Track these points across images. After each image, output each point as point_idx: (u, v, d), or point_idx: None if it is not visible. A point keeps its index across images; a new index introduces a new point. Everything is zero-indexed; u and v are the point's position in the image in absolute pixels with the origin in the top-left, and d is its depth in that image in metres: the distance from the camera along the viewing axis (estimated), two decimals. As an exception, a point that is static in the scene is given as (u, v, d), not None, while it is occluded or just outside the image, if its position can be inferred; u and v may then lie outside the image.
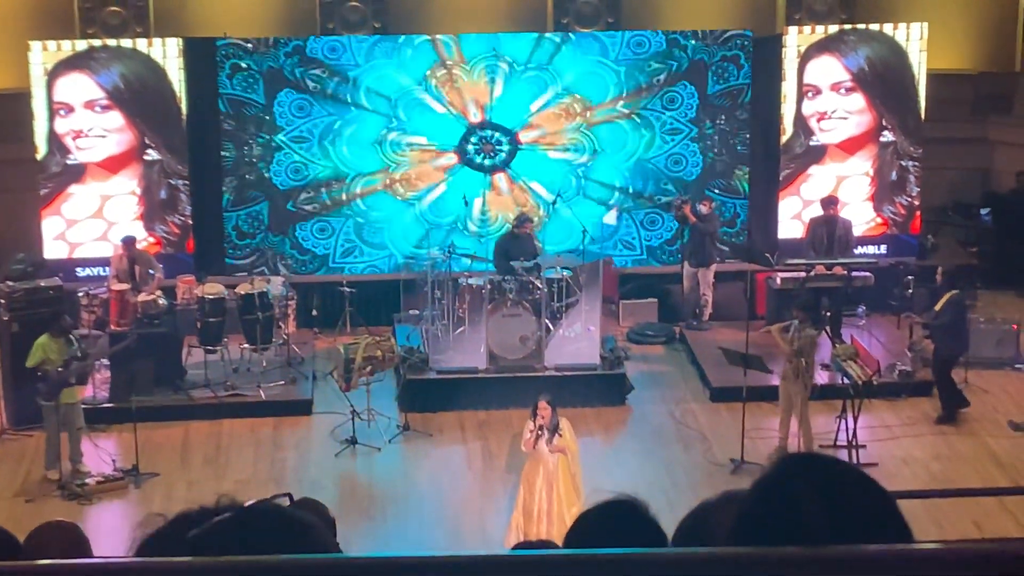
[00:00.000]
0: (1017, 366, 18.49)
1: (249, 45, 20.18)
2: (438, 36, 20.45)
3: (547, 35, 20.70)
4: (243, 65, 20.13)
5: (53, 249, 19.87)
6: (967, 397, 17.15)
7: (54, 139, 19.73)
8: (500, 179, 20.69)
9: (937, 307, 17.00)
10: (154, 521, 2.54)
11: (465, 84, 20.39)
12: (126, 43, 19.93)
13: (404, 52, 20.27)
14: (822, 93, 20.59)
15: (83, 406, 16.37)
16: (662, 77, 20.59)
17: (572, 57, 20.49)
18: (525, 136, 20.59)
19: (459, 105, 20.41)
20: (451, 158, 20.54)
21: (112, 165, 20.00)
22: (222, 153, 20.36)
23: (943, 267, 17.93)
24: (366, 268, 20.65)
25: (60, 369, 15.17)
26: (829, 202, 19.54)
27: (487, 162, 20.57)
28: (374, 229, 20.67)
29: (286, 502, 2.59)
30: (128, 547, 2.52)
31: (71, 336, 15.60)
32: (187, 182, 20.17)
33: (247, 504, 2.48)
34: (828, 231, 19.27)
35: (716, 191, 20.79)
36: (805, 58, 20.45)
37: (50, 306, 16.51)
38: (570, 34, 20.67)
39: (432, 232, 20.08)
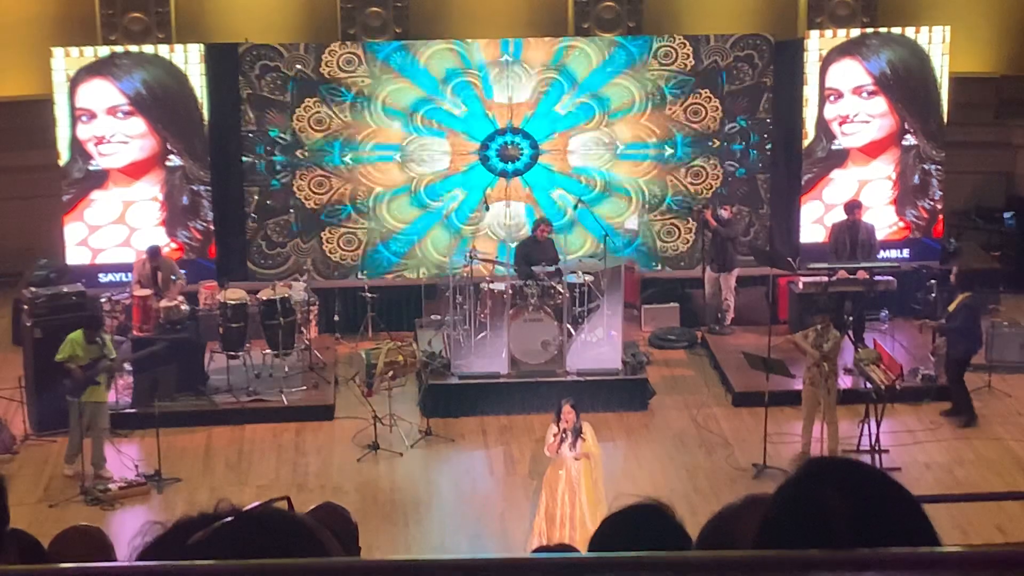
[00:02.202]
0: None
1: (277, 51, 20.19)
2: (472, 40, 20.46)
3: (580, 41, 20.66)
4: (268, 70, 20.16)
5: (75, 255, 19.91)
6: (977, 409, 17.09)
7: (76, 145, 19.78)
8: (513, 185, 20.65)
9: (950, 308, 16.95)
10: (153, 529, 2.54)
11: (497, 89, 20.36)
12: (148, 49, 19.97)
13: (434, 55, 20.26)
14: (844, 97, 20.54)
15: (108, 420, 16.44)
16: (686, 85, 20.55)
17: (602, 67, 20.43)
18: (548, 148, 20.55)
19: (488, 108, 20.36)
20: (472, 154, 20.51)
21: (134, 171, 20.04)
22: (243, 158, 20.36)
23: (957, 267, 17.89)
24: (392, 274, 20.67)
25: (85, 367, 15.30)
26: (853, 206, 19.50)
27: (506, 167, 20.53)
28: (399, 239, 20.65)
29: (284, 505, 2.58)
30: (128, 555, 2.52)
31: (104, 338, 15.71)
32: (209, 188, 20.21)
33: (246, 508, 2.48)
34: (851, 236, 19.24)
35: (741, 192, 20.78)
36: (827, 62, 20.40)
37: (73, 312, 16.56)
38: (604, 41, 20.63)
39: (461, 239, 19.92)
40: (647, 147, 20.71)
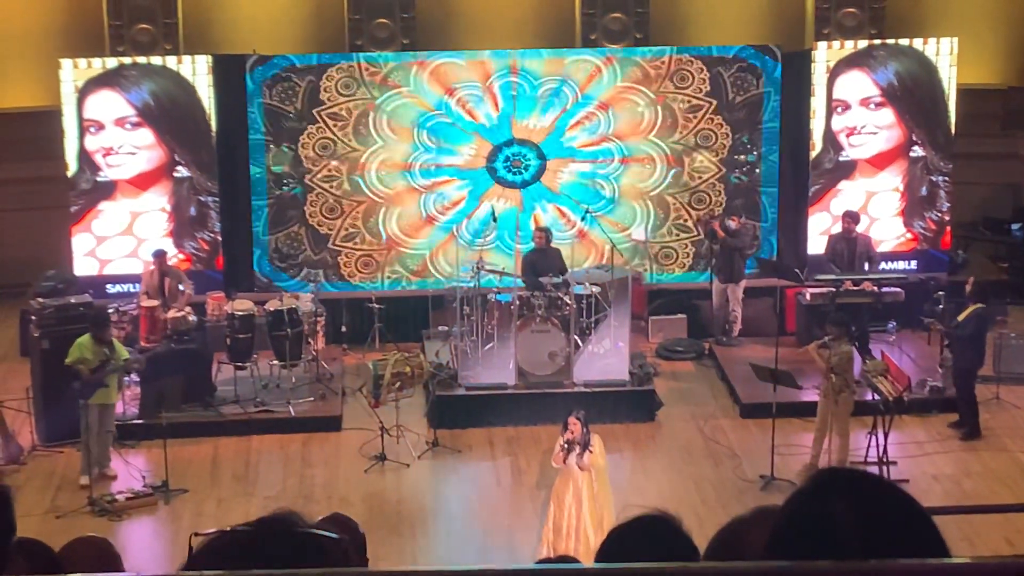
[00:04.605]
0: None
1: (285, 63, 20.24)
2: (478, 51, 20.49)
3: (583, 52, 20.67)
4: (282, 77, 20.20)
5: (83, 266, 19.93)
6: (985, 421, 17.05)
7: (84, 156, 19.80)
8: (522, 196, 20.64)
9: (960, 317, 16.91)
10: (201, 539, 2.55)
11: (499, 100, 20.36)
12: (156, 60, 20.00)
13: (437, 66, 20.29)
14: (851, 108, 20.53)
15: (115, 422, 16.43)
16: (691, 94, 20.55)
17: (606, 76, 20.43)
18: (553, 156, 20.55)
19: (492, 119, 20.37)
20: (479, 170, 20.52)
21: (142, 182, 20.06)
22: (252, 168, 20.38)
23: (975, 278, 17.83)
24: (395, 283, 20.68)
25: (94, 369, 15.34)
26: (848, 217, 19.47)
27: (515, 178, 20.54)
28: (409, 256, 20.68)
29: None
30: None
31: (115, 343, 15.77)
32: (217, 199, 20.22)
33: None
34: (848, 248, 19.24)
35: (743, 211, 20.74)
36: (834, 73, 20.39)
37: (80, 323, 16.56)
38: (605, 52, 20.63)
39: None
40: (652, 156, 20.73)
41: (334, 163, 20.35)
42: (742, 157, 20.76)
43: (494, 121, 20.41)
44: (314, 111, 20.29)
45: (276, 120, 20.31)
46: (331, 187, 20.53)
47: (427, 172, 20.49)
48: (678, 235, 20.94)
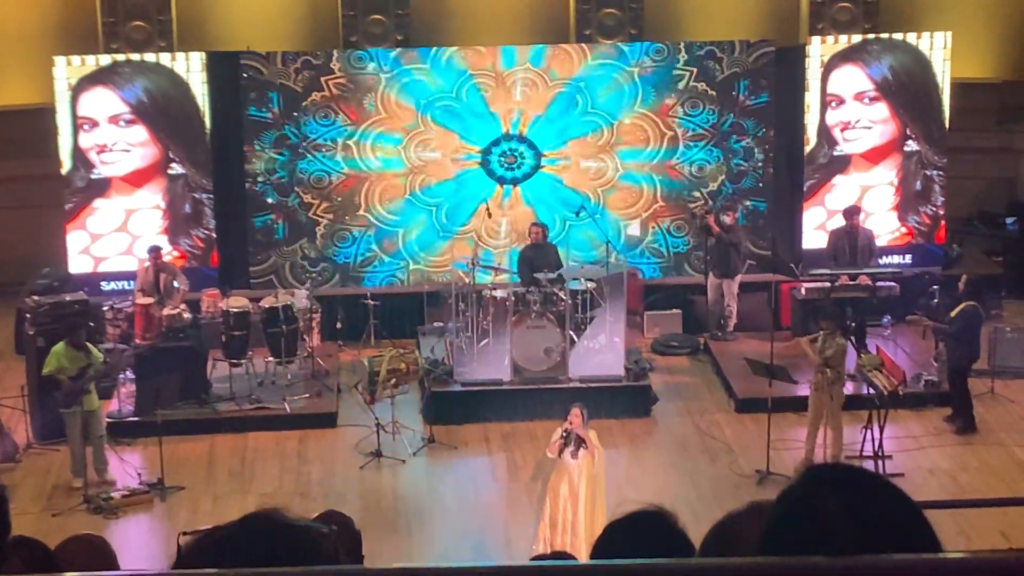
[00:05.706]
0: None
1: (271, 58, 20.20)
2: (480, 47, 20.47)
3: (583, 48, 20.67)
4: (264, 77, 20.16)
5: (78, 263, 19.93)
6: (980, 415, 17.07)
7: (78, 154, 19.79)
8: (510, 192, 20.63)
9: (952, 314, 16.94)
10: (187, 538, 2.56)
11: (506, 95, 20.34)
12: (150, 57, 20.00)
13: (442, 61, 20.25)
14: (846, 103, 20.54)
15: (109, 420, 16.44)
16: (686, 89, 20.53)
17: (607, 75, 20.41)
18: (550, 159, 20.53)
19: (498, 112, 20.36)
20: (474, 157, 20.49)
21: (136, 179, 20.05)
22: (246, 167, 20.37)
23: (967, 276, 17.84)
24: (385, 279, 20.62)
25: (72, 378, 15.30)
26: (851, 212, 19.51)
27: (506, 174, 20.52)
28: (393, 238, 20.64)
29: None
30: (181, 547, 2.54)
31: (90, 347, 15.70)
32: (211, 196, 20.21)
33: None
34: (850, 242, 19.25)
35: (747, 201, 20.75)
36: (828, 68, 20.41)
37: (75, 320, 16.55)
38: (631, 59, 20.58)
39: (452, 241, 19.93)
40: (650, 153, 20.72)
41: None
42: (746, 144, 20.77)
43: (486, 118, 20.39)
44: (301, 147, 20.25)
45: (255, 126, 20.30)
46: (335, 216, 20.53)
47: (425, 187, 20.49)
48: (650, 258, 20.96)
